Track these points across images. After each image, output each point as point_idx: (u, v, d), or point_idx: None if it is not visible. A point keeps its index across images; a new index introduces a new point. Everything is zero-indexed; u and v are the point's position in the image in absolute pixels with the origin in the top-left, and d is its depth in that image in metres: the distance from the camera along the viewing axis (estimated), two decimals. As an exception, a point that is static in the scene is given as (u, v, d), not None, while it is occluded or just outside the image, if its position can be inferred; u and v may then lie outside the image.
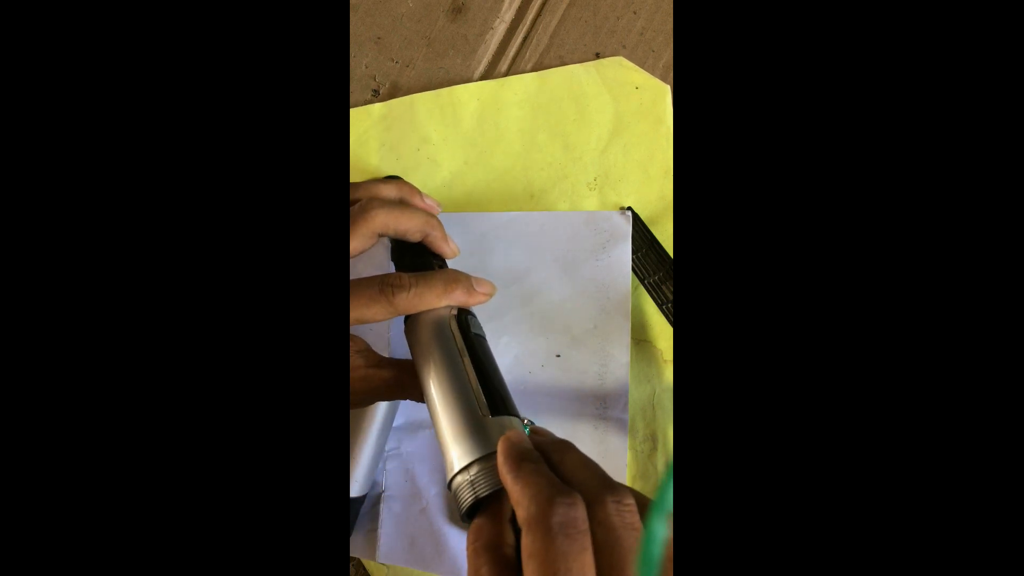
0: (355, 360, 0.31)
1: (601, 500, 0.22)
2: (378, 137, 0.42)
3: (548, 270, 0.39)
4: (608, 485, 0.22)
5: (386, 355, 0.34)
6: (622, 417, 0.37)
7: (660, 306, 0.38)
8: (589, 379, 0.37)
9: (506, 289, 0.39)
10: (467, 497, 0.25)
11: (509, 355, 0.38)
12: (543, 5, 0.42)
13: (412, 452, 0.38)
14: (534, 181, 0.41)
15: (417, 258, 0.35)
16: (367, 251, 0.35)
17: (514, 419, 0.27)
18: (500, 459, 0.24)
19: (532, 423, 0.28)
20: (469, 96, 0.42)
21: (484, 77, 0.42)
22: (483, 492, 0.25)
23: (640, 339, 0.38)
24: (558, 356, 0.38)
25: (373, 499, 0.38)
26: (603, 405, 0.37)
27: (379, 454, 0.38)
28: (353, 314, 0.29)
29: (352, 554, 0.38)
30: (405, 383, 0.31)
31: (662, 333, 0.38)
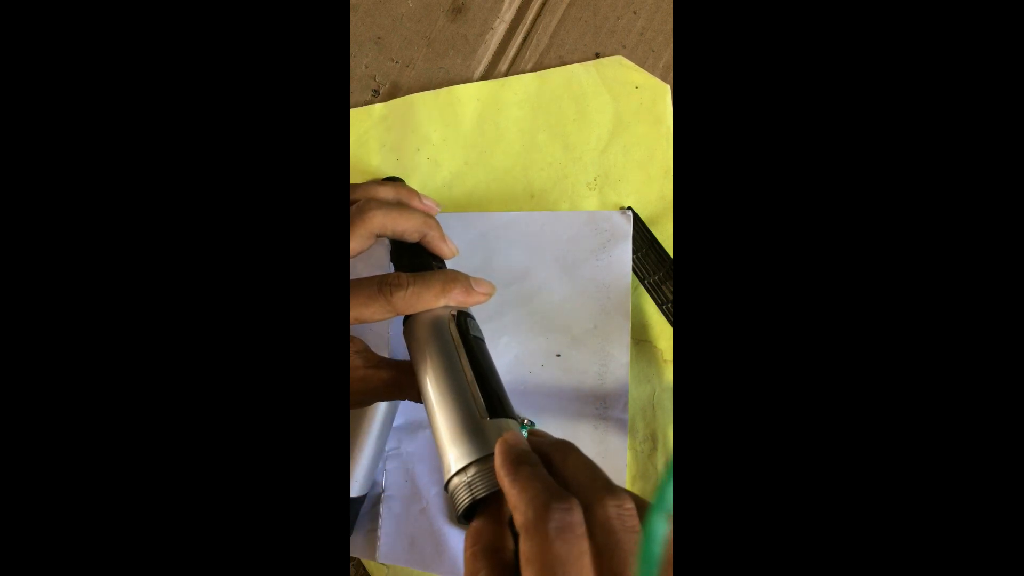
0: (354, 360, 0.31)
1: (601, 503, 0.22)
2: (378, 138, 0.42)
3: (548, 270, 0.39)
4: (608, 488, 0.22)
5: (386, 356, 0.34)
6: (622, 417, 0.37)
7: (660, 306, 0.38)
8: (589, 379, 0.37)
9: (506, 289, 0.39)
10: (464, 499, 0.25)
11: (509, 355, 0.38)
12: (543, 5, 0.42)
13: (412, 452, 0.38)
14: (534, 181, 0.41)
15: (415, 258, 0.35)
16: (366, 252, 0.35)
17: (511, 421, 0.27)
18: (497, 461, 0.24)
19: (532, 424, 0.28)
20: (469, 96, 0.42)
21: (484, 77, 0.42)
22: (480, 494, 0.25)
23: (640, 339, 0.38)
24: (558, 356, 0.38)
25: (373, 499, 0.38)
26: (603, 405, 0.37)
27: (379, 454, 0.38)
28: (351, 314, 0.29)
29: (352, 554, 0.38)
30: (403, 384, 0.31)
31: (662, 333, 0.38)
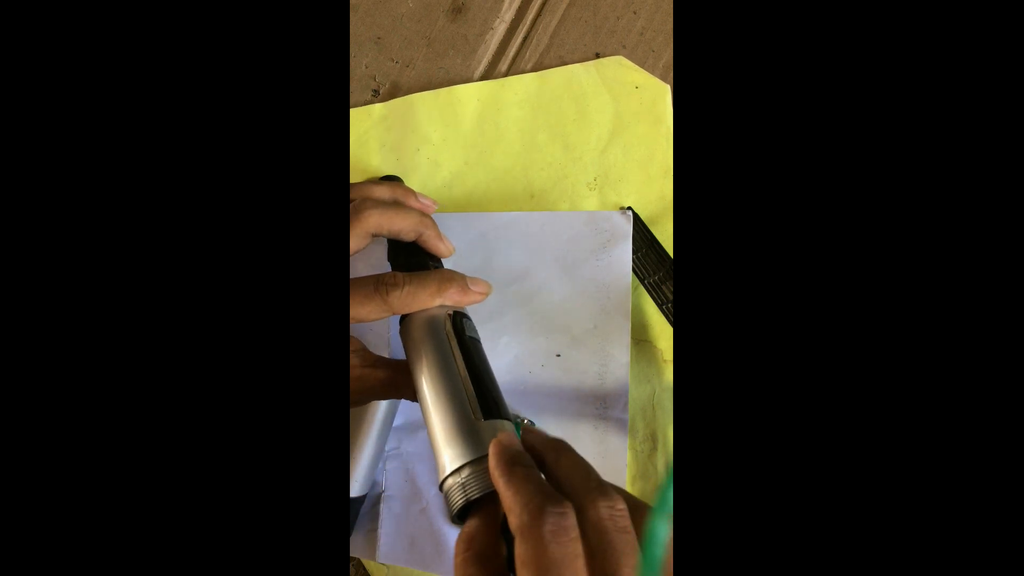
0: (350, 360, 0.31)
1: (594, 504, 0.22)
2: (378, 138, 0.42)
3: (548, 270, 0.39)
4: (601, 489, 0.23)
5: (386, 355, 0.34)
6: (622, 417, 0.37)
7: (660, 306, 0.38)
8: (589, 379, 0.37)
9: (506, 289, 0.39)
10: (458, 499, 0.25)
11: (509, 355, 0.38)
12: (543, 5, 0.42)
13: (412, 452, 0.38)
14: (534, 181, 0.41)
15: (412, 258, 0.35)
16: (365, 251, 0.35)
17: (506, 423, 0.27)
18: (492, 463, 0.24)
19: (532, 423, 0.28)
20: (469, 96, 0.42)
21: (484, 77, 0.42)
22: (474, 495, 0.25)
23: (640, 339, 0.38)
24: (558, 356, 0.38)
25: (373, 499, 0.38)
26: (603, 405, 0.37)
27: (379, 454, 0.38)
28: None
29: (352, 554, 0.38)
30: (399, 383, 0.31)
31: (662, 333, 0.38)
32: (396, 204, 0.35)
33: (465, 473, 0.25)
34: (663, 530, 0.16)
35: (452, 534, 0.37)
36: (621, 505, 0.22)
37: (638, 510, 0.22)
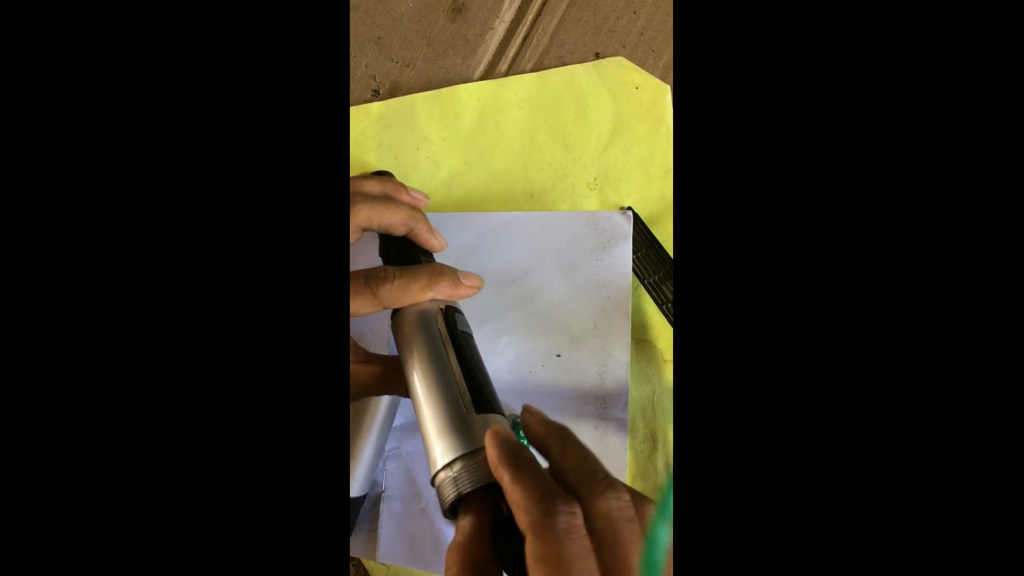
0: None
1: (603, 496, 0.22)
2: (376, 136, 0.42)
3: (548, 270, 0.39)
4: (608, 481, 0.23)
5: (386, 354, 0.34)
6: (622, 417, 0.37)
7: (660, 306, 0.38)
8: (589, 379, 0.37)
9: (506, 289, 0.39)
10: (450, 493, 0.25)
11: (509, 355, 0.38)
12: (543, 5, 0.42)
13: (412, 452, 0.38)
14: (534, 181, 0.41)
15: (403, 252, 0.35)
16: (360, 246, 0.35)
17: (498, 416, 0.27)
18: (494, 455, 0.24)
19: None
20: (469, 96, 0.42)
21: (484, 77, 0.42)
22: (466, 489, 0.25)
23: (640, 339, 0.38)
24: (558, 356, 0.38)
25: (373, 499, 0.38)
26: (603, 405, 0.37)
27: (379, 454, 0.38)
28: None
29: (352, 554, 0.38)
30: (391, 378, 0.31)
31: (662, 333, 0.38)
32: (386, 198, 0.34)
33: (457, 467, 0.25)
34: (665, 536, 0.16)
35: (452, 534, 0.37)
36: (627, 496, 0.22)
37: (641, 502, 0.23)
